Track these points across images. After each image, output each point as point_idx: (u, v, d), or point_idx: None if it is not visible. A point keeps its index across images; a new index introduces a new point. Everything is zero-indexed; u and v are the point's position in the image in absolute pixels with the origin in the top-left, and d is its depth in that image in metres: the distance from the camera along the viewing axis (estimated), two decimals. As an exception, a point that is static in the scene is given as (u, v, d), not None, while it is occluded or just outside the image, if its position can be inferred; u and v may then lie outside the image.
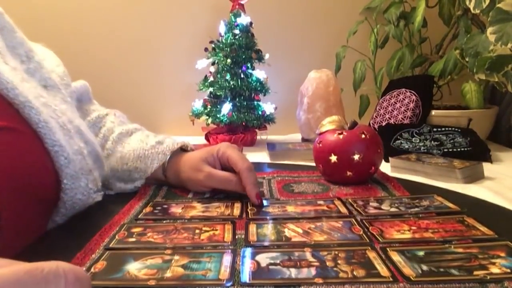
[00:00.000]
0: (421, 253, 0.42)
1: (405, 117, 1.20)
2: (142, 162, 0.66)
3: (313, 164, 0.76)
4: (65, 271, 0.24)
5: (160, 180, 0.69)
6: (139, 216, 0.55)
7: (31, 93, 0.49)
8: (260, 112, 1.31)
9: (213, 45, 1.35)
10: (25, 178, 0.45)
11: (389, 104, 1.26)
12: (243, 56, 1.30)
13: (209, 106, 1.31)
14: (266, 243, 0.46)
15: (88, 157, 0.55)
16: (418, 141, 1.04)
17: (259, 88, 1.32)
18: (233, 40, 1.30)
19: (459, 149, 0.97)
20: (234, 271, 0.39)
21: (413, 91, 1.24)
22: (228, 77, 1.29)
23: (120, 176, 0.67)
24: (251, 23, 1.34)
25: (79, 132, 0.54)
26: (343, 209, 0.57)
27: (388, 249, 0.43)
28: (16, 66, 0.52)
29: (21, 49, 0.53)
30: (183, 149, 0.71)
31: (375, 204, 0.59)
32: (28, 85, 0.51)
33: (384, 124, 1.23)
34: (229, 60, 1.29)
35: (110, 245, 0.46)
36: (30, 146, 0.46)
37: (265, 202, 0.61)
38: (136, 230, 0.50)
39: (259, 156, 1.12)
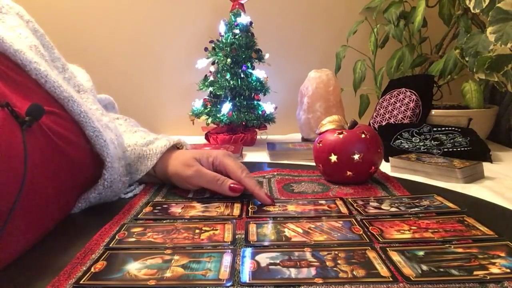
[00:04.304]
0: (421, 253, 0.42)
1: (405, 116, 1.20)
2: (133, 167, 0.68)
3: (313, 163, 0.76)
4: None
5: (149, 174, 0.70)
6: (139, 216, 0.55)
7: (71, 91, 0.57)
8: (260, 112, 1.31)
9: (213, 45, 1.34)
10: (68, 153, 0.52)
11: (389, 104, 1.26)
12: (243, 56, 1.30)
13: (209, 106, 1.31)
14: (266, 243, 0.46)
15: (118, 147, 0.62)
16: (418, 140, 1.04)
17: (259, 88, 1.32)
18: (233, 40, 1.30)
19: (459, 149, 0.97)
20: (234, 271, 0.39)
21: (413, 91, 1.23)
22: (228, 76, 1.29)
23: None
24: (251, 23, 1.34)
25: (108, 127, 0.61)
26: (344, 209, 0.57)
27: (388, 249, 0.43)
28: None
29: (58, 62, 0.62)
30: (177, 147, 0.72)
31: (375, 204, 0.59)
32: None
33: (384, 123, 1.23)
34: (229, 60, 1.29)
35: (110, 245, 0.46)
36: (75, 130, 0.55)
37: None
38: (136, 230, 0.50)
39: (259, 156, 1.12)
